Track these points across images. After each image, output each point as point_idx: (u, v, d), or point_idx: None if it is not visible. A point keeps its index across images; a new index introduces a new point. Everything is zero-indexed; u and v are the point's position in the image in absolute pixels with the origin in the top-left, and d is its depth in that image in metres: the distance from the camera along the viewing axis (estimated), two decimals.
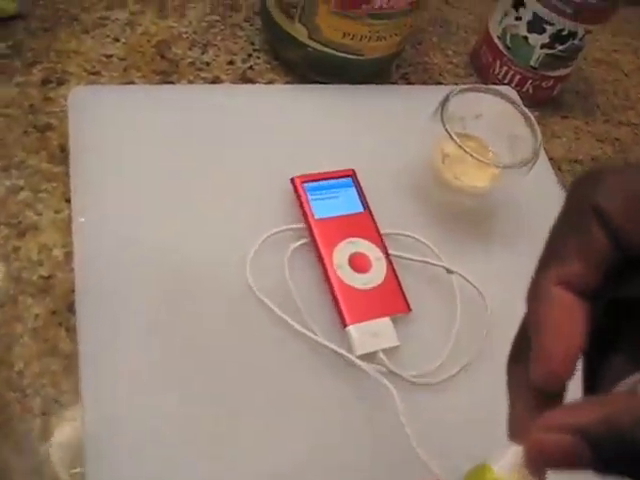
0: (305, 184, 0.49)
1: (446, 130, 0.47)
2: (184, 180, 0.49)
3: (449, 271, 0.48)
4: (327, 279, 0.46)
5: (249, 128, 0.53)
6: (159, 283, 0.44)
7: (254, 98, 0.55)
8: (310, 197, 0.48)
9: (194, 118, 0.52)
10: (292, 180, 0.49)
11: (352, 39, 0.54)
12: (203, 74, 0.58)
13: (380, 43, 0.55)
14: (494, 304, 0.48)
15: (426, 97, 0.53)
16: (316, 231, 0.47)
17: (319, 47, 0.55)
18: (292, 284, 0.45)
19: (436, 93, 0.52)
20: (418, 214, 0.51)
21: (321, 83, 0.58)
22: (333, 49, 0.55)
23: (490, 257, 0.51)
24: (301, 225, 0.48)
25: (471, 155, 0.47)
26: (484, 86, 0.52)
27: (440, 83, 0.65)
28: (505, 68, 0.63)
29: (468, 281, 0.48)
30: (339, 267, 0.46)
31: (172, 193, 0.48)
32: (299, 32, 0.55)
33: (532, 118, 0.49)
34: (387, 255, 0.48)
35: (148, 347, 0.42)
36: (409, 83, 0.63)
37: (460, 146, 0.47)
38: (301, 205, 0.48)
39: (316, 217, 0.47)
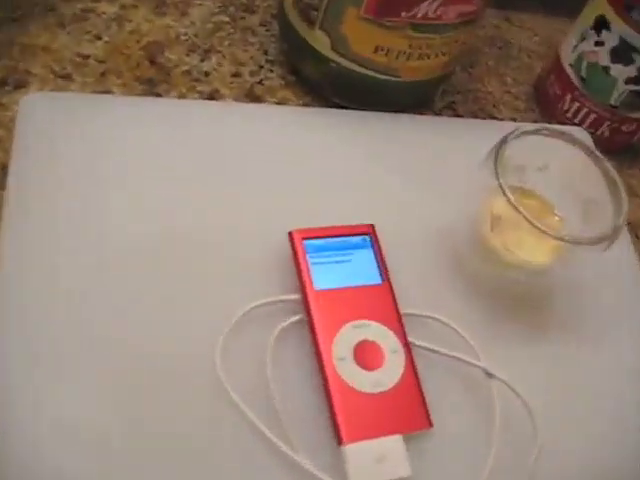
0: (306, 241, 0.37)
1: (499, 185, 0.35)
2: (155, 223, 0.38)
3: (488, 374, 0.36)
4: (322, 376, 0.34)
5: (247, 159, 0.42)
6: (107, 370, 0.33)
7: (259, 121, 0.44)
8: (311, 260, 0.36)
9: (180, 142, 0.41)
10: (290, 234, 0.37)
11: (387, 55, 0.43)
12: (200, 87, 0.47)
13: (422, 62, 0.44)
14: (546, 421, 0.35)
15: (476, 134, 0.42)
16: (314, 307, 0.35)
17: (344, 62, 0.44)
18: (275, 379, 0.33)
19: (488, 130, 0.40)
20: (453, 292, 0.39)
21: (345, 108, 0.46)
22: (362, 66, 0.44)
23: (544, 357, 0.39)
24: (295, 297, 0.36)
25: (529, 221, 0.35)
26: (554, 127, 0.40)
27: (494, 117, 0.53)
28: (577, 104, 0.51)
29: (512, 389, 0.36)
30: (340, 360, 0.34)
31: (135, 239, 0.37)
32: (320, 42, 0.44)
33: (617, 178, 0.37)
34: (407, 346, 0.36)
35: (86, 459, 0.30)
36: (456, 115, 0.51)
37: (515, 207, 0.35)
38: (298, 269, 0.36)
39: (316, 288, 0.36)
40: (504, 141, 0.36)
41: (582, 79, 0.50)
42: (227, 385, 0.33)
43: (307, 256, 0.36)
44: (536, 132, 0.38)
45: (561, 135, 0.38)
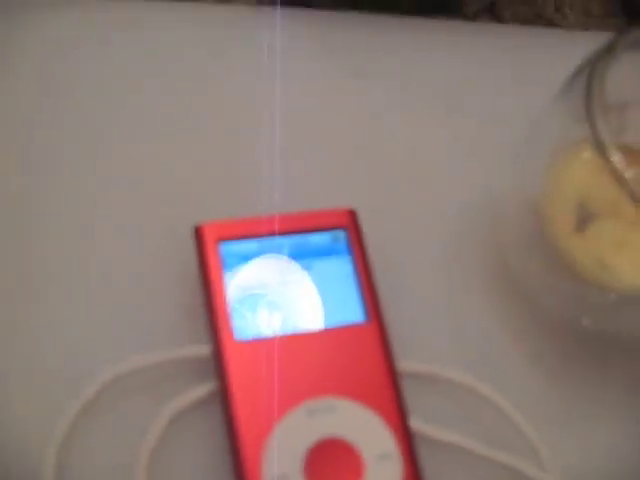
0: (225, 245, 0.20)
1: (598, 141, 0.18)
2: None
3: None
4: None
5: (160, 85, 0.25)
6: None
7: (194, 22, 0.27)
8: (232, 280, 0.20)
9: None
10: (197, 232, 0.20)
11: None
12: None
13: None
14: None
15: (531, 49, 0.24)
16: (233, 373, 0.19)
17: None
18: None
19: (550, 42, 0.23)
20: (498, 338, 0.22)
21: (325, 8, 0.29)
22: None
23: None
24: (198, 351, 0.19)
25: None
26: None
27: (554, 25, 0.34)
28: None
29: None
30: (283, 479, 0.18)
31: None
32: None
33: None
34: (407, 442, 0.19)
35: None
36: (498, 21, 0.33)
37: (630, 189, 0.18)
38: (208, 301, 0.19)
39: (238, 337, 0.19)
40: (607, 55, 0.19)
41: None
42: None
43: (224, 274, 0.20)
44: None
45: None
